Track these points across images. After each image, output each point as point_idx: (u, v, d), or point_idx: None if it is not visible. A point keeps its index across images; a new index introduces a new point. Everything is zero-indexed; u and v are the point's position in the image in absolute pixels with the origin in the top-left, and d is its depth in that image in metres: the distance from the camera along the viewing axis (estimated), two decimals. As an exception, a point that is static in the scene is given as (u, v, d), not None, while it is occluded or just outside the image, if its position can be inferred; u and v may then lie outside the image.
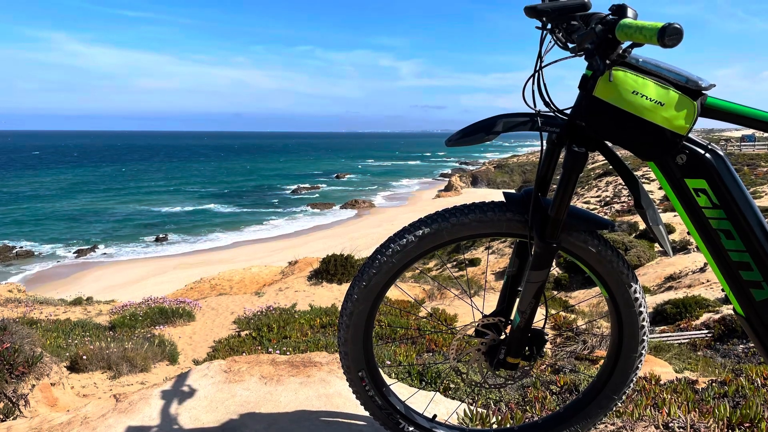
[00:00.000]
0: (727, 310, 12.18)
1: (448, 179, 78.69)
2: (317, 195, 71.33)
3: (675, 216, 20.37)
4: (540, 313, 1.90)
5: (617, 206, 32.95)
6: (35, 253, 38.75)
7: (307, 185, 79.54)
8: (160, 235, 44.14)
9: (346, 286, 14.64)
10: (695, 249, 20.53)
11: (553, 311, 11.08)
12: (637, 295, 1.82)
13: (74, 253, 38.77)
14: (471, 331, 1.97)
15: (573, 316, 11.97)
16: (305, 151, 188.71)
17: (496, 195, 1.93)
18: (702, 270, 17.94)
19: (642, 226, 23.20)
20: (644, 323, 1.85)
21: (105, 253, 39.16)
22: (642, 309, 1.84)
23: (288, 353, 4.68)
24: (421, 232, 1.77)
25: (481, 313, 1.95)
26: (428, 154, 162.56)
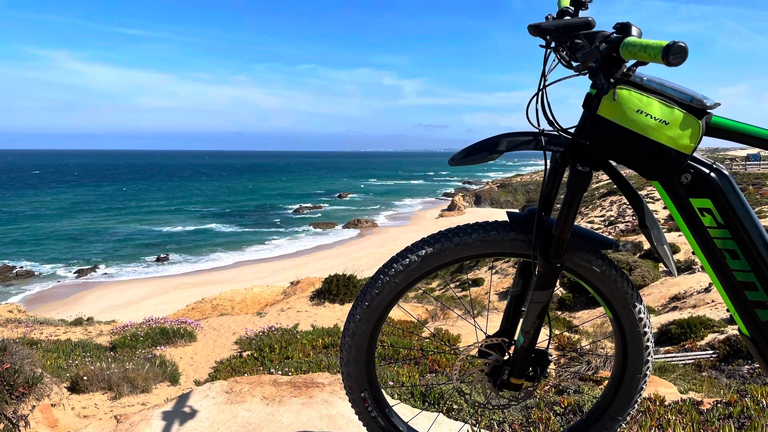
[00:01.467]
0: (732, 330, 12.11)
1: (451, 199, 78.78)
2: (319, 214, 71.41)
3: (680, 236, 20.33)
4: (544, 333, 1.89)
5: (621, 226, 32.91)
6: (35, 273, 38.73)
7: (309, 205, 79.67)
8: (161, 255, 44.14)
9: (348, 307, 14.60)
10: (700, 269, 20.47)
11: (557, 332, 11.02)
12: (642, 315, 1.81)
13: (75, 273, 38.76)
14: (474, 352, 1.96)
15: (577, 336, 11.90)
16: (307, 170, 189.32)
17: (500, 214, 1.93)
18: (707, 290, 17.87)
19: (646, 245, 23.15)
20: (648, 344, 1.84)
21: (106, 273, 39.14)
22: (646, 329, 1.82)
23: (290, 374, 4.66)
24: (423, 251, 1.76)
25: (485, 333, 1.94)
26: (431, 174, 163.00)
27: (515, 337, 1.88)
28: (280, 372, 6.22)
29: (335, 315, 14.19)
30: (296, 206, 77.63)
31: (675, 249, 22.06)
